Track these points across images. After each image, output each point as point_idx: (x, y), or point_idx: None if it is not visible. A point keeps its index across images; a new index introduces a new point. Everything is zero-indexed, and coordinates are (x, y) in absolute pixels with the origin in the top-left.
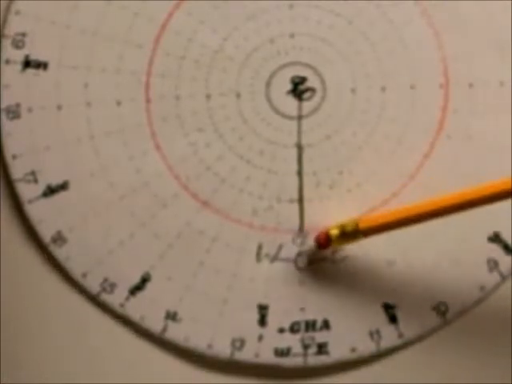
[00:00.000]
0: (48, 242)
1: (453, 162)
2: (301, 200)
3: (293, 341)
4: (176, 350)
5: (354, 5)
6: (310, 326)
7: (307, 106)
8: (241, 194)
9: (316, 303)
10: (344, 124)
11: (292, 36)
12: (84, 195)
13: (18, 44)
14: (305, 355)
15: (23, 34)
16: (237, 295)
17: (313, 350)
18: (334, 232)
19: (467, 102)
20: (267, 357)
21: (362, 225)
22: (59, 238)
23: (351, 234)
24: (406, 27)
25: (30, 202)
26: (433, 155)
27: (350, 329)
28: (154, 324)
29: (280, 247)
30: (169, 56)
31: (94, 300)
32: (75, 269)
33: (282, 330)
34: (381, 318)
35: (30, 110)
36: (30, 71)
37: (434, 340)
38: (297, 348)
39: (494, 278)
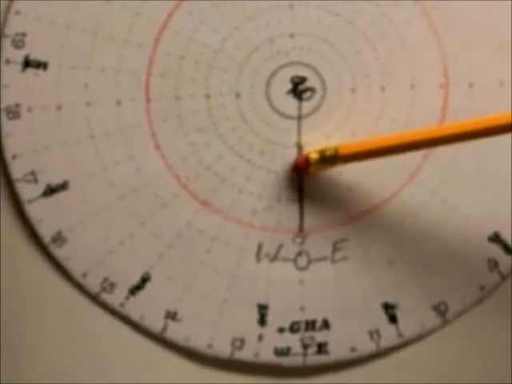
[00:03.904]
0: (48, 242)
1: (452, 163)
2: (301, 200)
3: (293, 340)
4: (176, 349)
5: (353, 5)
6: (310, 325)
7: (307, 105)
8: (241, 194)
9: (316, 303)
10: (344, 124)
11: (292, 36)
12: (84, 195)
13: (17, 44)
14: (304, 355)
15: (23, 34)
16: (237, 295)
17: (312, 349)
18: (314, 156)
19: (467, 102)
20: (267, 356)
21: (342, 151)
22: (59, 238)
23: (330, 159)
24: (405, 27)
25: (30, 201)
26: (432, 155)
27: (349, 329)
28: (154, 323)
29: (280, 247)
30: (169, 56)
31: (94, 300)
32: (75, 269)
33: (281, 330)
34: (381, 317)
35: (29, 109)
36: (30, 71)
37: (434, 340)
38: (297, 348)
39: (494, 277)
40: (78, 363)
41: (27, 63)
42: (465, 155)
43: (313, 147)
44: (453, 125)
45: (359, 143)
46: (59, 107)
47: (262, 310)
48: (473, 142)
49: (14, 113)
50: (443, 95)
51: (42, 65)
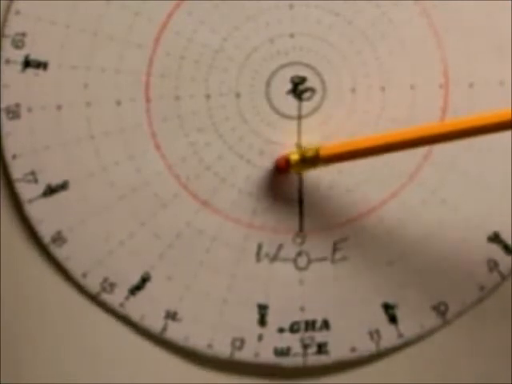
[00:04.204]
0: (48, 242)
1: (452, 163)
2: (301, 200)
3: (292, 341)
4: (176, 349)
5: (353, 5)
6: (310, 325)
7: (307, 105)
8: (241, 194)
9: (316, 303)
10: (344, 124)
11: (292, 36)
12: (84, 195)
13: (17, 44)
14: (304, 355)
15: (23, 34)
16: (237, 295)
17: (312, 349)
18: (294, 157)
19: (467, 102)
20: (267, 356)
21: (323, 152)
22: (59, 238)
23: (311, 160)
24: (405, 27)
25: (30, 201)
26: (432, 155)
27: (349, 329)
28: (154, 324)
29: (280, 247)
30: (169, 56)
31: (94, 300)
32: (75, 269)
33: (281, 330)
34: (381, 317)
35: (29, 109)
36: (30, 71)
37: (434, 340)
38: (296, 348)
39: (494, 277)
40: (78, 363)
41: (27, 63)
42: (465, 155)
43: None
44: (436, 124)
45: (340, 144)
46: (59, 107)
47: (262, 310)
48: (473, 143)
49: (13, 113)
50: (443, 95)
51: (41, 65)
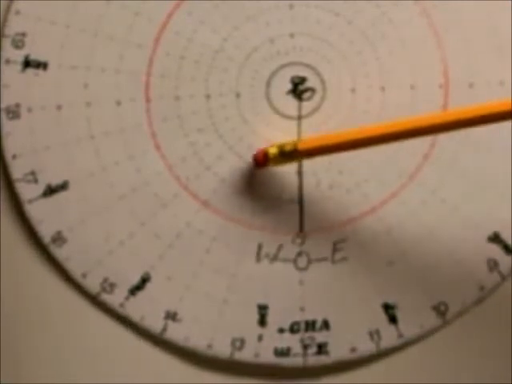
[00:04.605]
0: (48, 242)
1: (452, 163)
2: (301, 200)
3: (293, 341)
4: (176, 349)
5: (353, 5)
6: (310, 326)
7: (307, 105)
8: (241, 194)
9: (316, 303)
10: (344, 124)
11: (292, 36)
12: (84, 195)
13: (17, 44)
14: (305, 355)
15: (23, 34)
16: (237, 295)
17: (313, 350)
18: (273, 151)
19: (467, 102)
20: (267, 357)
21: (302, 146)
22: (59, 238)
23: (289, 154)
24: (405, 27)
25: (30, 201)
26: (432, 155)
27: (349, 329)
28: (154, 324)
29: (280, 247)
30: (169, 56)
31: (93, 300)
32: (75, 269)
33: (281, 330)
34: (381, 317)
35: (29, 109)
36: (30, 71)
37: (434, 340)
38: (297, 348)
39: (494, 277)
40: (78, 363)
41: (27, 63)
42: (465, 155)
43: None
44: (411, 119)
45: (318, 138)
46: (59, 107)
47: (262, 310)
48: (473, 143)
49: (13, 113)
50: (443, 95)
51: (41, 65)
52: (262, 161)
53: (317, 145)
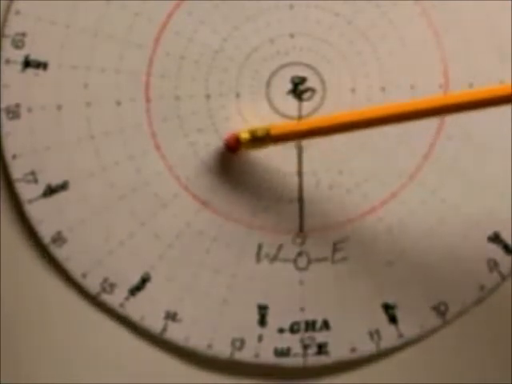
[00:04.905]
0: (48, 242)
1: (452, 163)
2: (301, 200)
3: (293, 341)
4: (176, 349)
5: (353, 5)
6: (310, 326)
7: (307, 105)
8: (241, 194)
9: (316, 303)
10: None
11: (292, 36)
12: (84, 195)
13: (17, 44)
14: (305, 355)
15: (23, 34)
16: (237, 295)
17: (313, 350)
18: (245, 136)
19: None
20: (267, 357)
21: (274, 131)
22: (59, 238)
23: (261, 139)
24: (406, 27)
25: (30, 202)
26: (433, 155)
27: (349, 329)
28: (154, 324)
29: (280, 247)
30: (169, 56)
31: (93, 300)
32: (75, 269)
33: (281, 330)
34: (381, 317)
35: (29, 109)
36: (30, 71)
37: (434, 340)
38: (297, 348)
39: (494, 277)
40: (78, 363)
41: (27, 63)
42: (465, 155)
43: (313, 147)
44: (375, 107)
45: (291, 124)
46: (59, 107)
47: (262, 310)
48: (473, 143)
49: (13, 113)
50: (443, 95)
51: (41, 65)
52: (233, 145)
53: (288, 130)
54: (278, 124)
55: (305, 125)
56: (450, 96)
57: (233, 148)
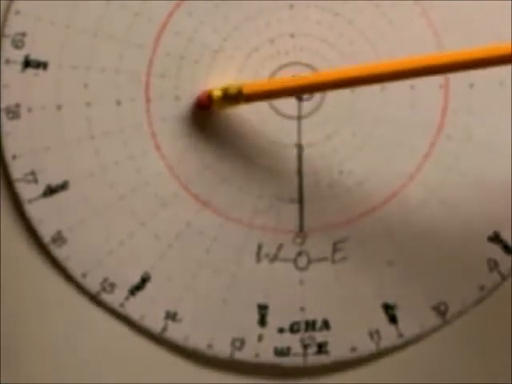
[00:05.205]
0: (48, 242)
1: (452, 162)
2: (301, 200)
3: (293, 341)
4: (176, 349)
5: (353, 5)
6: (310, 325)
7: (307, 105)
8: (241, 194)
9: (316, 303)
10: (344, 124)
11: (292, 36)
12: (84, 195)
13: (17, 44)
14: (305, 355)
15: (23, 34)
16: (237, 295)
17: (313, 349)
18: (217, 93)
19: (467, 102)
20: (267, 356)
21: (246, 90)
22: (59, 238)
23: (234, 97)
24: (406, 27)
25: (30, 201)
26: (433, 155)
27: (349, 329)
28: (154, 324)
29: (280, 247)
30: (169, 56)
31: (93, 300)
32: (75, 269)
33: (281, 330)
34: (381, 317)
35: (29, 109)
36: (30, 71)
37: (434, 340)
38: (297, 348)
39: (494, 277)
40: (78, 363)
41: (27, 63)
42: (465, 155)
43: (313, 147)
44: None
45: (263, 83)
46: (59, 107)
47: (262, 310)
48: (473, 143)
49: (13, 113)
50: (443, 95)
51: (41, 65)
52: (205, 103)
53: (261, 89)
54: (250, 82)
55: (277, 83)
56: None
57: (204, 105)
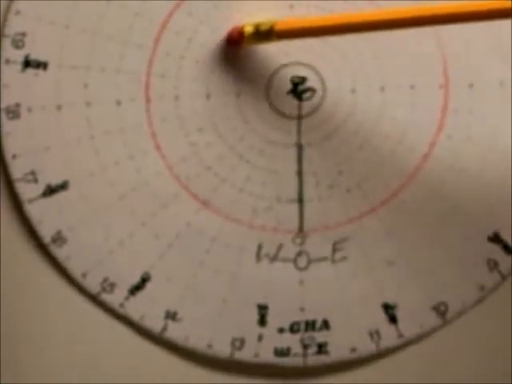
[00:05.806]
0: (48, 242)
1: (452, 162)
2: (301, 200)
3: (293, 341)
4: (176, 349)
5: (353, 5)
6: (310, 325)
7: (307, 105)
8: (241, 194)
9: (316, 303)
10: (344, 124)
11: None
12: (84, 195)
13: (17, 44)
14: (304, 355)
15: (23, 34)
16: (237, 295)
17: (312, 349)
18: (249, 29)
19: (467, 102)
20: (267, 357)
21: (278, 26)
22: (59, 238)
23: (265, 33)
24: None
25: (30, 201)
26: (433, 155)
27: (349, 329)
28: (154, 324)
29: (280, 247)
30: (169, 56)
31: (93, 300)
32: (75, 269)
33: (281, 330)
34: (381, 317)
35: (29, 109)
36: (30, 71)
37: (434, 340)
38: (296, 348)
39: (494, 277)
40: (78, 363)
41: (27, 63)
42: (465, 155)
43: (313, 147)
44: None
45: (297, 20)
46: (59, 107)
47: (262, 310)
48: (473, 143)
49: (13, 113)
50: (443, 95)
51: (41, 65)
52: (236, 39)
53: (294, 26)
54: (283, 20)
55: (311, 21)
56: (448, 6)
57: (235, 42)
